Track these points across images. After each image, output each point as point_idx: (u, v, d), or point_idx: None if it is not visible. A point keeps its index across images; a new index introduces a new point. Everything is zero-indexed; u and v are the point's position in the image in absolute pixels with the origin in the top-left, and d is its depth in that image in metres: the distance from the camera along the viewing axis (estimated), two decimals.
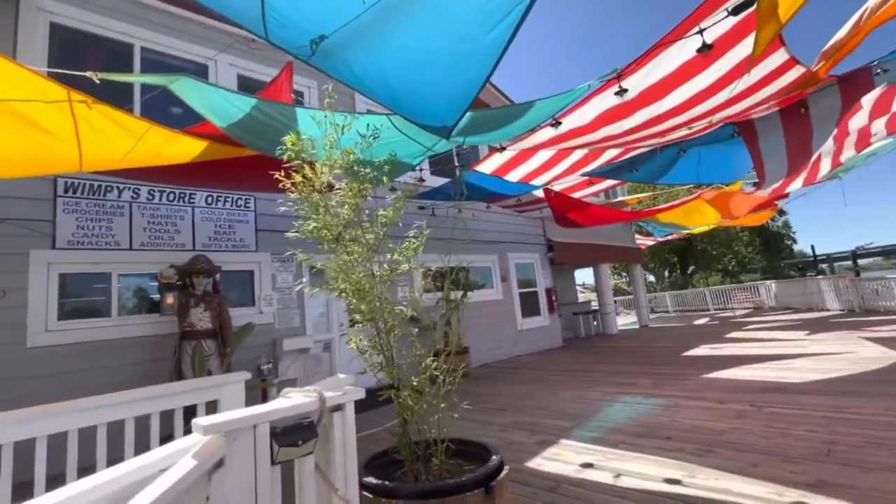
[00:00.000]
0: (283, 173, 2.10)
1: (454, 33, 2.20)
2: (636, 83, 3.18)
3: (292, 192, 2.10)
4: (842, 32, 3.33)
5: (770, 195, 7.68)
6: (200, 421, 1.25)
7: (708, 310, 19.79)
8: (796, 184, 7.06)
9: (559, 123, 3.74)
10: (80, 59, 5.42)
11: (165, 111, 5.42)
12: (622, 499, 2.67)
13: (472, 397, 5.65)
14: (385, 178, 2.27)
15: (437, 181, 7.27)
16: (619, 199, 13.08)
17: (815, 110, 4.26)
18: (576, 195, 7.59)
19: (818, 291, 14.68)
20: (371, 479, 1.79)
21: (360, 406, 1.65)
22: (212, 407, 2.66)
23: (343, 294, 2.01)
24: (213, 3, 2.07)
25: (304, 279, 2.18)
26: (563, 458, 3.44)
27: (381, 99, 2.89)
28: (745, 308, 18.35)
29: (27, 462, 2.10)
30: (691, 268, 33.42)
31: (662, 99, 3.47)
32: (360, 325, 2.02)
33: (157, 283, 5.15)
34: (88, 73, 2.66)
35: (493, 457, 1.91)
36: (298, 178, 2.06)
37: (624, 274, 31.71)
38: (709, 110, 3.80)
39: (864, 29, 3.17)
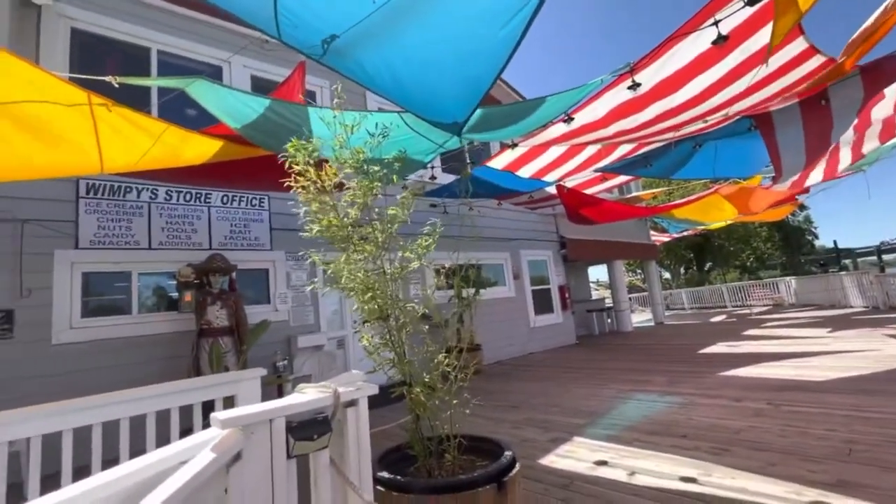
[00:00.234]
0: (292, 177, 2.12)
1: (465, 30, 2.20)
2: (649, 77, 3.14)
3: (301, 192, 2.13)
4: (869, 21, 3.24)
5: (790, 190, 7.51)
6: (219, 415, 1.28)
7: (725, 307, 19.45)
8: (817, 177, 6.88)
9: (571, 119, 3.71)
10: (99, 64, 5.55)
11: (181, 113, 5.52)
12: (636, 497, 2.66)
13: (484, 394, 5.66)
14: (395, 177, 2.28)
15: (449, 178, 7.27)
16: (634, 194, 12.91)
17: (835, 101, 4.14)
18: (589, 191, 7.52)
19: (841, 288, 14.31)
20: (384, 474, 1.82)
21: (374, 402, 1.67)
22: (229, 402, 2.71)
23: (352, 293, 2.04)
24: (226, 4, 2.11)
25: (318, 278, 2.21)
26: (576, 456, 3.43)
27: (392, 97, 2.91)
28: (763, 305, 17.97)
29: (55, 454, 2.17)
30: (708, 264, 32.83)
31: (676, 92, 3.42)
32: (370, 322, 2.04)
33: (175, 282, 5.26)
34: (108, 78, 2.72)
35: (506, 453, 1.91)
36: (303, 181, 2.09)
37: (639, 271, 31.33)
38: (724, 102, 3.72)
39: (894, 17, 3.07)
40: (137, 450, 1.91)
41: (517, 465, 1.86)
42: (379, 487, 1.78)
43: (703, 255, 31.46)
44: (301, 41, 2.25)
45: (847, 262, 22.42)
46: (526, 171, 5.88)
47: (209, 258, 5.20)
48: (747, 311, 16.42)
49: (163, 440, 2.17)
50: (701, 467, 2.97)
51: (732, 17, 2.64)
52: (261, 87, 6.67)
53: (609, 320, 13.53)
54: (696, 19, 2.69)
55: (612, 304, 13.88)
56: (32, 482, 2.07)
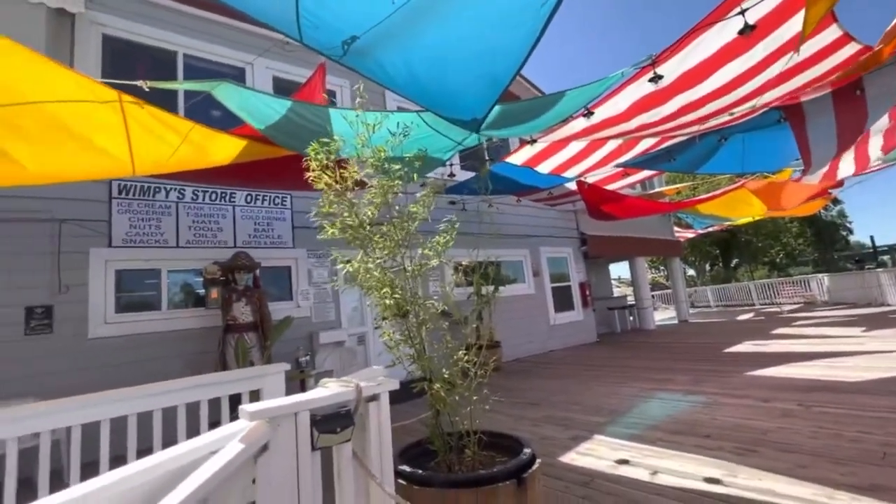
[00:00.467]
0: (314, 175, 2.16)
1: (484, 28, 2.20)
2: (672, 69, 3.07)
3: (323, 190, 2.17)
4: None
5: (822, 183, 7.22)
6: (247, 407, 1.33)
7: (753, 305, 18.87)
8: (848, 169, 6.59)
9: (591, 113, 3.66)
10: (129, 68, 5.75)
11: (206, 116, 5.67)
12: (659, 496, 2.63)
13: (503, 391, 5.66)
14: (415, 175, 2.31)
15: (467, 175, 7.27)
16: (657, 190, 12.65)
17: (871, 90, 3.97)
18: (610, 187, 7.40)
19: (878, 285, 13.70)
20: (406, 468, 1.85)
21: (394, 398, 1.70)
22: (255, 396, 2.79)
23: (369, 290, 2.07)
24: (250, 8, 2.16)
25: (339, 275, 2.26)
26: (597, 454, 3.40)
27: (411, 96, 2.93)
28: (794, 303, 17.37)
29: (92, 444, 2.28)
30: (735, 260, 31.88)
31: (700, 84, 3.33)
32: (388, 319, 2.08)
33: (201, 279, 5.42)
34: (139, 83, 2.82)
35: (525, 449, 1.92)
36: (321, 184, 2.13)
37: (662, 268, 30.66)
38: (751, 93, 3.61)
39: None
40: (169, 440, 1.99)
41: (537, 462, 1.87)
42: (400, 481, 1.81)
43: (729, 251, 30.57)
44: (322, 43, 2.29)
45: (885, 258, 21.44)
46: (545, 167, 5.83)
47: (234, 256, 5.34)
48: (776, 310, 15.90)
49: (192, 431, 2.25)
50: (726, 468, 2.91)
51: (760, 6, 2.56)
52: (282, 87, 6.79)
53: (631, 318, 13.31)
54: (721, 9, 2.63)
55: (634, 302, 13.64)
56: (73, 469, 2.18)
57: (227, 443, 1.27)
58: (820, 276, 17.67)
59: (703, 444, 3.36)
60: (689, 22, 2.90)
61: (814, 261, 30.54)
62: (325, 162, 2.11)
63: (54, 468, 2.47)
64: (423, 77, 2.63)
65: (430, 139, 3.96)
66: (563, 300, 10.56)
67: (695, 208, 9.30)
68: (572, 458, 3.38)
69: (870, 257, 21.68)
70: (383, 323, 2.14)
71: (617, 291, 19.83)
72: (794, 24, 2.72)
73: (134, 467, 1.19)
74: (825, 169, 6.16)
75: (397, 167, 2.17)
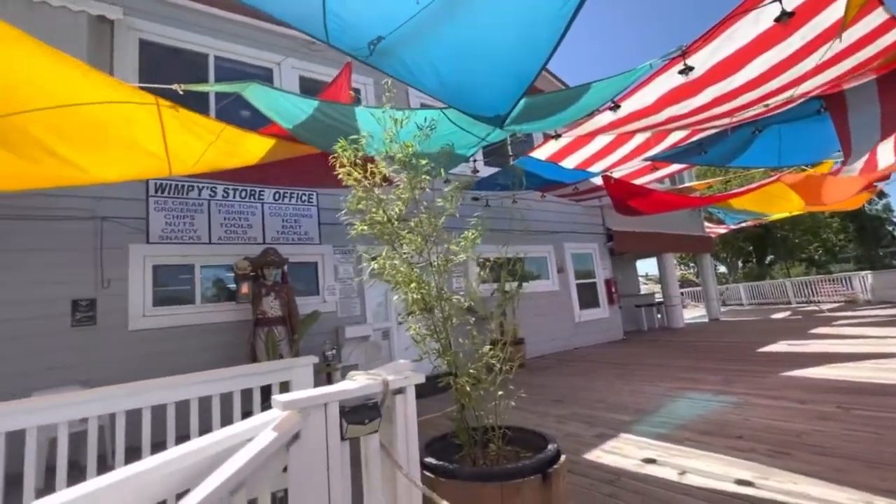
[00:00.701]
0: (343, 172, 2.21)
1: (509, 24, 2.19)
2: (704, 60, 2.98)
3: (353, 185, 2.21)
4: None
5: (866, 176, 6.85)
6: (280, 398, 1.38)
7: (789, 303, 18.13)
8: (888, 158, 6.21)
9: (618, 107, 3.59)
10: (163, 71, 5.97)
11: (236, 117, 5.85)
12: (687, 496, 2.58)
13: (528, 388, 5.64)
14: (442, 171, 2.33)
15: (490, 171, 7.24)
16: (687, 184, 12.28)
17: None
18: (638, 181, 7.24)
19: None
20: (431, 460, 1.88)
21: (418, 393, 1.73)
22: (284, 387, 2.88)
23: (396, 285, 2.11)
24: (279, 12, 2.22)
25: (365, 271, 2.31)
26: (622, 452, 3.36)
27: (435, 93, 2.94)
28: (834, 302, 16.60)
29: (134, 430, 2.41)
30: (770, 257, 30.64)
31: (734, 74, 3.22)
32: (415, 314, 2.11)
33: (232, 274, 5.60)
34: (174, 86, 2.94)
35: (550, 445, 1.92)
36: (352, 179, 2.17)
37: (692, 264, 29.78)
38: (789, 83, 3.47)
39: None
40: (204, 428, 2.08)
41: (562, 458, 1.87)
42: (426, 473, 1.84)
43: (763, 247, 29.38)
44: (348, 44, 2.33)
45: None
46: (570, 162, 5.76)
47: (263, 252, 5.49)
48: (815, 308, 15.23)
49: (226, 420, 2.35)
50: (758, 470, 2.83)
51: None
52: (308, 86, 6.92)
53: (659, 316, 13.01)
54: None
55: (662, 299, 13.32)
56: (119, 453, 2.31)
57: (261, 431, 1.32)
58: (863, 273, 16.79)
59: (735, 446, 3.27)
60: (721, 11, 2.80)
61: (856, 257, 29.04)
62: (353, 159, 2.15)
63: (98, 453, 2.61)
64: (447, 75, 2.64)
65: (454, 136, 3.97)
66: (588, 297, 10.42)
67: (727, 203, 8.97)
68: (597, 455, 3.35)
69: None
70: (409, 318, 2.17)
71: (644, 289, 19.38)
72: (836, 10, 2.60)
73: (176, 452, 1.25)
74: (865, 158, 5.84)
75: (424, 161, 2.20)
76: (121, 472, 1.08)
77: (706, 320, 13.87)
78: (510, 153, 9.18)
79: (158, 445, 1.95)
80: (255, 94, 3.33)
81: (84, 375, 4.53)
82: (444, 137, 3.86)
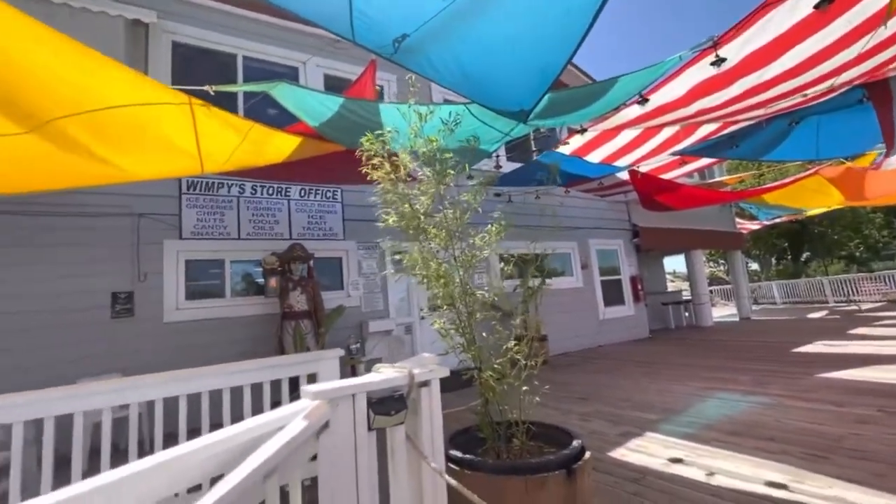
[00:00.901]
0: (369, 166, 2.25)
1: (534, 19, 2.18)
2: (737, 50, 2.88)
3: (379, 183, 2.25)
4: None
5: None
6: (310, 388, 1.42)
7: (826, 302, 17.37)
8: None
9: (646, 100, 3.51)
10: (194, 71, 6.16)
11: (263, 115, 5.99)
12: (715, 497, 2.53)
13: (551, 385, 5.59)
14: (466, 166, 2.34)
15: (513, 166, 7.19)
16: (717, 179, 11.90)
17: None
18: (666, 176, 7.06)
19: None
20: (456, 453, 1.90)
21: (442, 387, 1.75)
22: (311, 379, 2.96)
23: (425, 280, 2.13)
24: (307, 11, 2.26)
25: (389, 266, 2.34)
26: (648, 451, 3.32)
27: (459, 89, 2.95)
28: (875, 301, 15.82)
29: (168, 417, 2.52)
30: (805, 254, 29.35)
31: (769, 65, 3.11)
32: (441, 309, 2.13)
33: (261, 269, 5.76)
34: (206, 87, 3.04)
35: (575, 441, 1.92)
36: (381, 173, 2.20)
37: (722, 261, 28.83)
38: (830, 72, 3.32)
39: None
40: (236, 416, 2.16)
41: (587, 454, 1.86)
42: (450, 465, 1.86)
43: (799, 243, 28.15)
44: (374, 42, 2.35)
45: None
46: (595, 156, 5.66)
47: (290, 247, 5.62)
48: (855, 308, 14.55)
49: (256, 409, 2.43)
50: (791, 473, 2.74)
51: None
52: (332, 84, 7.02)
53: (686, 314, 12.69)
54: None
55: (690, 297, 12.98)
56: (157, 438, 2.43)
57: (292, 419, 1.37)
58: None
59: (767, 448, 3.18)
60: (753, 1, 2.70)
61: None
62: (381, 152, 2.18)
63: (137, 438, 2.74)
64: (471, 70, 2.64)
65: (478, 131, 3.96)
66: (613, 294, 10.24)
67: (760, 198, 8.67)
68: (622, 453, 3.31)
69: None
70: (433, 313, 2.20)
71: (671, 286, 18.92)
72: None
73: (211, 438, 1.31)
74: None
75: (449, 155, 2.21)
76: (163, 455, 1.14)
77: (737, 319, 13.45)
78: (534, 148, 9.09)
79: (194, 432, 2.04)
80: (283, 92, 3.41)
81: (123, 364, 4.75)
82: (467, 133, 3.86)
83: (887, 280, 16.35)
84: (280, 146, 3.86)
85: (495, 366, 2.06)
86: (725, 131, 5.08)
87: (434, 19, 2.11)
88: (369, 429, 1.51)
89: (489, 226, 2.30)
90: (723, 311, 16.58)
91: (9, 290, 4.52)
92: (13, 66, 2.18)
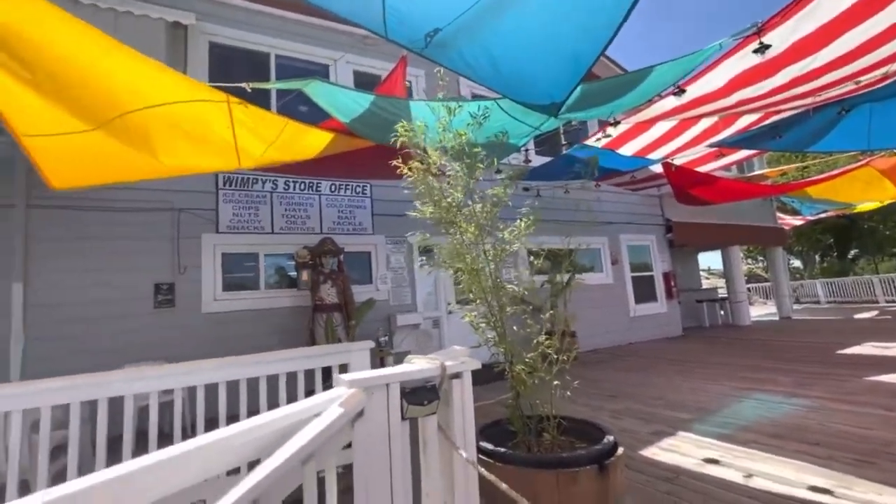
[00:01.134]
0: (400, 160, 2.28)
1: (566, 11, 2.14)
2: (784, 37, 2.74)
3: (409, 177, 2.28)
4: None
5: None
6: (345, 376, 1.46)
7: (876, 302, 16.40)
8: None
9: (683, 91, 3.39)
10: (229, 70, 6.35)
11: (296, 112, 6.12)
12: (753, 500, 2.45)
13: (581, 381, 5.53)
14: (495, 160, 2.34)
15: (543, 160, 7.09)
16: (757, 172, 11.38)
17: None
18: (702, 169, 6.81)
19: None
20: (487, 445, 1.92)
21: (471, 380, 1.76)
22: (343, 369, 3.03)
23: (459, 272, 2.14)
24: (340, 9, 2.30)
25: (423, 260, 2.37)
26: (681, 451, 3.24)
27: (489, 83, 2.92)
28: None
29: (210, 403, 2.64)
30: (853, 251, 27.70)
31: (820, 51, 2.94)
32: (475, 303, 2.14)
33: (293, 262, 5.91)
34: (244, 84, 3.14)
35: (607, 437, 1.90)
36: (415, 163, 2.23)
37: (761, 258, 27.62)
38: (886, 58, 3.12)
39: None
40: (272, 404, 2.24)
41: (620, 450, 1.84)
42: (480, 456, 1.88)
43: (846, 240, 26.58)
44: (406, 37, 2.37)
45: None
46: (628, 149, 5.52)
47: (321, 241, 5.75)
48: None
49: (291, 398, 2.51)
50: (837, 478, 2.62)
51: None
52: (362, 81, 7.10)
53: (722, 312, 12.24)
54: None
55: (726, 295, 12.51)
56: (199, 422, 2.54)
57: (328, 406, 1.41)
58: None
59: (809, 451, 3.05)
60: None
61: None
62: (415, 142, 2.20)
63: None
64: (502, 64, 2.62)
65: (507, 125, 3.93)
66: (644, 291, 9.99)
67: (804, 191, 8.24)
68: (654, 452, 3.25)
69: None
70: (465, 307, 2.21)
71: (706, 283, 18.28)
72: None
73: (251, 423, 1.36)
74: None
75: (478, 149, 2.22)
76: (215, 434, 1.19)
77: (776, 318, 12.88)
78: (563, 142, 8.94)
79: (232, 418, 2.12)
80: (315, 90, 3.48)
81: (165, 352, 4.99)
82: (496, 128, 3.84)
83: None
84: (312, 142, 3.95)
85: (526, 360, 2.05)
86: (767, 121, 4.85)
87: (466, 13, 2.10)
88: (402, 418, 1.54)
89: (518, 220, 2.29)
90: (761, 310, 15.92)
91: (70, 281, 4.83)
92: (82, 72, 2.34)
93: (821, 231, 25.98)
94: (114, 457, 2.00)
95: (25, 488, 2.32)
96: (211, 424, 2.23)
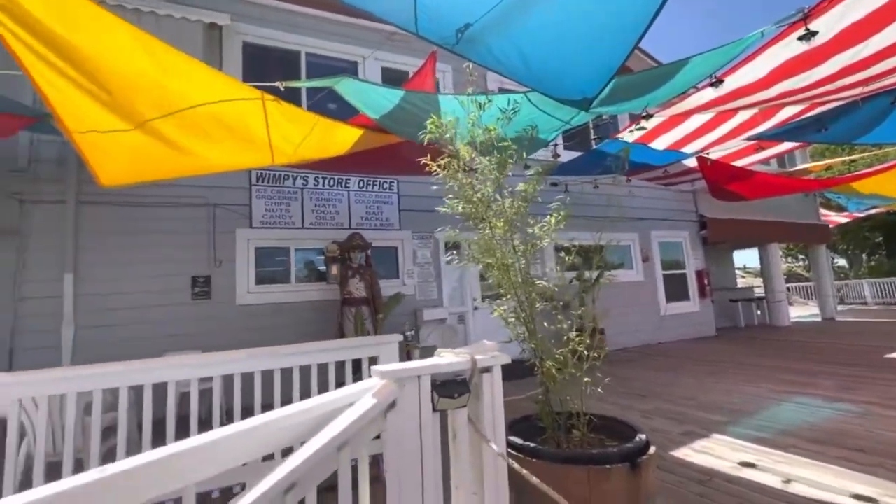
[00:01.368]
0: (429, 156, 2.30)
1: (594, 6, 2.10)
2: (831, 23, 2.60)
3: (438, 174, 2.29)
4: None
5: None
6: (378, 368, 1.50)
7: None
8: None
9: (720, 82, 3.27)
10: (261, 69, 6.52)
11: (326, 109, 6.23)
12: None
13: (610, 380, 5.46)
14: (524, 154, 2.32)
15: (572, 155, 6.98)
16: (799, 167, 10.85)
17: None
18: (739, 163, 6.55)
19: None
20: (516, 439, 1.92)
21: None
22: (373, 362, 3.09)
23: (490, 267, 2.15)
24: (373, 7, 2.33)
25: (453, 254, 2.38)
26: (714, 453, 3.15)
27: (519, 78, 2.90)
28: None
29: (246, 392, 2.74)
30: None
31: (871, 38, 2.78)
32: (506, 297, 2.14)
33: (322, 257, 6.04)
34: (277, 83, 3.22)
35: (639, 435, 1.87)
36: (444, 159, 2.24)
37: (802, 256, 26.40)
38: None
39: None
40: (304, 394, 2.31)
41: (652, 449, 1.81)
42: (510, 451, 1.89)
43: None
44: (436, 33, 2.38)
45: None
46: (661, 143, 5.36)
47: (350, 236, 5.85)
48: None
49: (322, 388, 2.59)
50: (883, 487, 2.50)
51: None
52: (389, 77, 7.16)
53: (759, 312, 11.78)
54: None
55: (763, 294, 12.02)
56: (237, 409, 2.65)
57: (361, 397, 1.45)
58: None
59: (854, 459, 2.92)
60: None
61: None
62: (445, 138, 2.21)
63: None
64: (533, 59, 2.59)
65: (537, 120, 3.89)
66: (676, 289, 9.72)
67: (850, 186, 7.81)
68: (686, 453, 3.18)
69: None
70: (494, 302, 2.22)
71: (741, 282, 17.61)
72: None
73: (286, 411, 1.41)
74: None
75: (507, 144, 2.21)
76: (255, 420, 1.24)
77: (818, 319, 12.30)
78: (593, 136, 8.77)
79: (266, 406, 2.20)
80: (346, 87, 3.53)
81: (201, 342, 5.20)
82: (525, 122, 3.80)
83: None
84: (343, 138, 4.02)
85: (557, 356, 2.04)
86: (812, 112, 4.62)
87: (497, 7, 2.09)
88: (433, 410, 1.57)
89: (548, 216, 2.28)
90: (801, 311, 15.23)
91: (114, 273, 5.09)
92: (123, 73, 2.46)
93: (869, 228, 24.57)
94: (158, 439, 2.11)
95: (80, 466, 2.48)
96: (246, 412, 2.33)
